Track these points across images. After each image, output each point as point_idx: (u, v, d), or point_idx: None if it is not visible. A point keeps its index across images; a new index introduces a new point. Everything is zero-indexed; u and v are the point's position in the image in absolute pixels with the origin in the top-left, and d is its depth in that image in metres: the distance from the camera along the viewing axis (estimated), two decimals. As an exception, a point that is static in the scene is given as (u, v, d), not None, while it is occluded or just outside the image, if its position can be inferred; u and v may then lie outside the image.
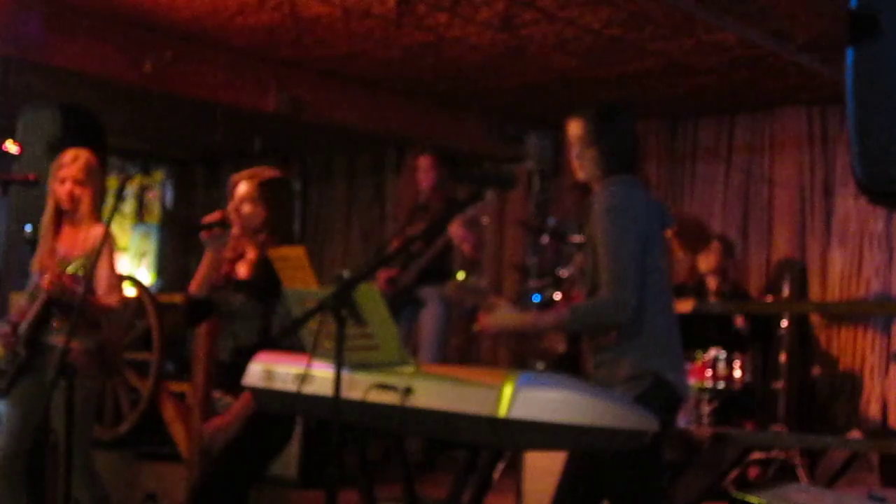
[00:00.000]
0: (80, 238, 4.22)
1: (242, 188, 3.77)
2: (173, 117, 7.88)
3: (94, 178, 4.27)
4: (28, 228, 4.36)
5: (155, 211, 9.92)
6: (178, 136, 8.68)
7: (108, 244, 4.16)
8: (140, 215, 9.96)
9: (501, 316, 3.14)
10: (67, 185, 4.23)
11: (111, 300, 4.16)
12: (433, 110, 7.66)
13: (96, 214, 4.26)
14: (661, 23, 5.47)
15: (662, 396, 3.04)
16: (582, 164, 3.18)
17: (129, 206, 9.76)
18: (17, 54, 5.63)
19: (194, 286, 3.78)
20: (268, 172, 3.85)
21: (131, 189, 9.71)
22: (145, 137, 9.08)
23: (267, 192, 3.77)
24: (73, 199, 4.23)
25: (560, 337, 3.22)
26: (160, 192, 9.95)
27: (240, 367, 3.72)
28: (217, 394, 3.81)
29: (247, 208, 3.75)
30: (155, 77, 6.08)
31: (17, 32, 5.49)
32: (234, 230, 3.76)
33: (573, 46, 5.97)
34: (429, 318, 5.94)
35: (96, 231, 4.19)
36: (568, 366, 3.19)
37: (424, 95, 7.43)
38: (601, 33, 5.69)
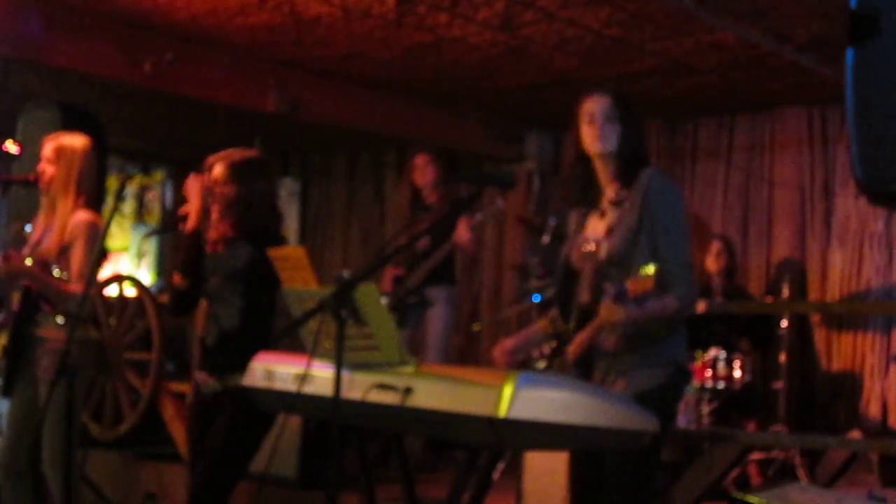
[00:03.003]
0: (59, 222, 4.19)
1: (216, 171, 3.82)
2: (173, 117, 7.88)
3: (67, 158, 4.22)
4: (28, 229, 4.35)
5: (155, 211, 9.92)
6: (178, 136, 8.68)
7: (88, 233, 4.13)
8: (140, 215, 9.96)
9: (620, 308, 3.06)
10: (40, 165, 4.23)
11: (73, 287, 4.09)
12: (433, 110, 7.66)
13: (72, 196, 4.20)
14: (661, 23, 5.46)
15: (680, 386, 3.09)
16: (606, 135, 3.09)
17: (129, 206, 9.77)
18: (17, 54, 5.62)
19: (178, 277, 3.80)
20: (240, 153, 3.88)
21: (131, 189, 9.72)
22: (145, 137, 9.08)
23: (238, 172, 3.81)
24: (45, 179, 4.21)
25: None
26: (160, 192, 9.95)
27: (224, 350, 3.74)
28: (202, 376, 3.81)
29: (221, 190, 3.80)
30: (155, 77, 6.07)
31: (17, 32, 5.49)
32: (213, 214, 3.81)
33: (573, 46, 5.96)
34: (435, 319, 5.95)
35: (79, 217, 4.17)
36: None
37: (424, 95, 7.43)
38: (601, 33, 5.69)
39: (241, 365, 3.39)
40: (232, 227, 3.80)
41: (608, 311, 2.92)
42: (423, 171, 6.04)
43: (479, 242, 5.86)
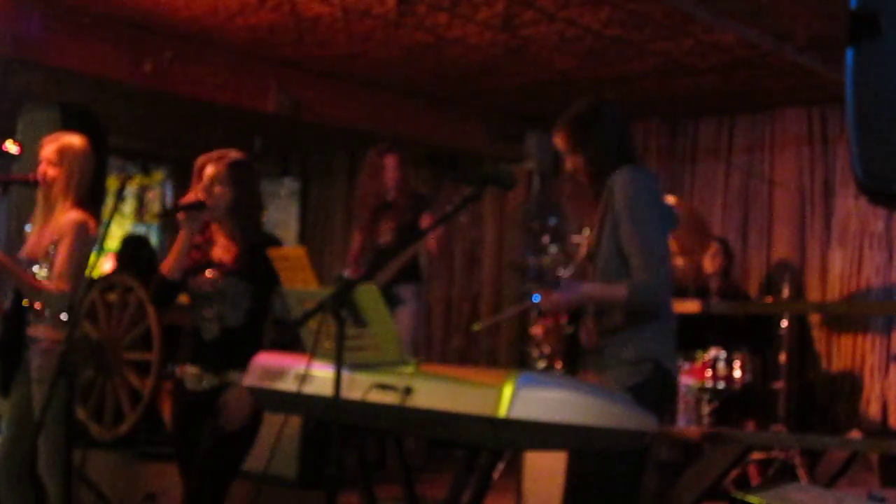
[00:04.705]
0: (55, 222, 4.19)
1: (211, 170, 3.76)
2: (173, 117, 7.88)
3: (68, 160, 4.22)
4: (28, 228, 4.36)
5: (155, 211, 9.93)
6: (178, 136, 8.68)
7: (76, 231, 4.12)
8: (140, 215, 9.96)
9: (568, 290, 3.10)
10: (42, 166, 4.23)
11: (50, 283, 4.07)
12: (433, 110, 7.66)
13: (71, 198, 4.20)
14: (661, 23, 5.47)
15: (662, 385, 3.07)
16: (576, 171, 3.22)
17: (129, 206, 9.77)
18: (17, 54, 5.63)
19: (167, 268, 3.74)
20: (234, 154, 3.83)
21: (131, 189, 9.72)
22: (145, 137, 9.09)
23: (235, 173, 3.76)
24: (46, 180, 4.21)
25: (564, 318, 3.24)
26: (160, 192, 9.96)
27: (227, 347, 3.72)
28: (193, 369, 3.78)
29: (216, 189, 3.73)
30: (155, 77, 6.08)
31: (17, 32, 5.49)
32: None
33: (573, 46, 5.97)
34: (404, 317, 5.94)
35: (69, 216, 4.17)
36: (572, 345, 3.18)
37: (424, 95, 7.43)
38: (601, 33, 5.69)
39: (242, 363, 3.38)
40: (226, 231, 3.79)
41: (543, 301, 3.09)
42: (395, 172, 5.97)
43: (447, 240, 5.75)
